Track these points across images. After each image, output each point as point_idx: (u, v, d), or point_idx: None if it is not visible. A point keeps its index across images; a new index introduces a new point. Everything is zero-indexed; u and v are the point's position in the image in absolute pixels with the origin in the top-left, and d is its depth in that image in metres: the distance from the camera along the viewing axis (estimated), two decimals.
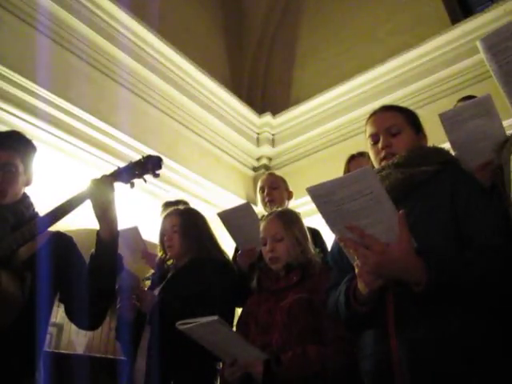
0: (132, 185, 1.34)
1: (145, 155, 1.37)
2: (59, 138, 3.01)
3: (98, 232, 1.28)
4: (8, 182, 1.33)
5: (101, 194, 1.25)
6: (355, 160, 2.11)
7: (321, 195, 0.95)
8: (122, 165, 1.37)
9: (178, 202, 2.54)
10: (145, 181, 1.36)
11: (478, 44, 1.16)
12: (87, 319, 1.31)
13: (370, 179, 0.93)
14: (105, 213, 1.26)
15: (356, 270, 1.03)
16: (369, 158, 1.37)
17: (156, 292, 1.88)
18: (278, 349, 1.43)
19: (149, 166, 1.34)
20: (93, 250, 1.28)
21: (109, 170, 1.36)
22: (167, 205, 2.56)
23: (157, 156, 1.37)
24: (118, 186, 1.33)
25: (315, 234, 2.09)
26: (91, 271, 1.26)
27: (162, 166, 1.39)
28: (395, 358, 0.99)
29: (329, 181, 0.94)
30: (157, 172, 1.36)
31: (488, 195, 1.19)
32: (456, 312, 0.98)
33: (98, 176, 1.30)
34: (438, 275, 0.95)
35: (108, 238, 1.26)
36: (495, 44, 1.14)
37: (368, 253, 0.94)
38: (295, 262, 1.61)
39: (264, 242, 1.68)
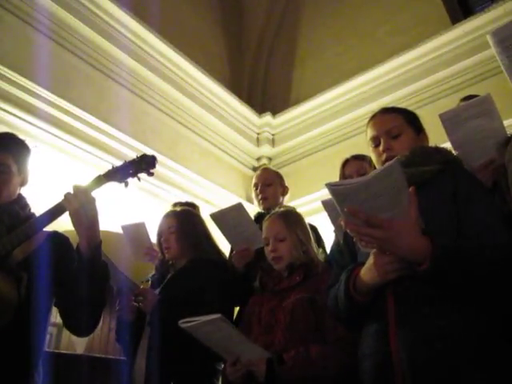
0: (126, 184, 1.33)
1: (140, 154, 1.37)
2: (59, 137, 3.00)
3: (77, 245, 1.24)
4: (1, 182, 1.32)
5: (75, 204, 1.21)
6: (350, 163, 2.09)
7: (343, 195, 0.93)
8: (118, 165, 1.36)
9: (185, 204, 2.52)
10: (139, 179, 1.35)
11: (489, 37, 1.14)
12: (78, 325, 1.30)
13: (395, 174, 0.91)
14: (82, 223, 1.22)
15: (371, 259, 1.02)
16: (367, 160, 1.37)
17: (156, 293, 1.88)
18: (281, 348, 1.43)
19: (143, 164, 1.33)
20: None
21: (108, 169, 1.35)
22: (175, 206, 2.55)
23: (151, 155, 1.36)
24: (113, 186, 1.32)
25: (314, 230, 2.07)
26: (75, 283, 1.23)
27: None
28: (396, 357, 0.99)
29: (353, 182, 0.92)
30: (151, 171, 1.34)
31: (490, 194, 1.19)
32: (457, 312, 0.98)
33: (83, 184, 1.26)
34: (443, 255, 0.95)
35: (87, 250, 1.22)
36: (506, 37, 1.12)
37: (373, 230, 0.94)
38: (298, 261, 1.61)
39: (266, 242, 1.68)
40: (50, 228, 1.41)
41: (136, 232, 2.32)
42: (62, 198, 1.24)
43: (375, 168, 1.31)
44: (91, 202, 1.23)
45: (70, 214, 1.22)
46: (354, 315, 1.14)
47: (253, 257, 1.97)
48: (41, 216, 1.26)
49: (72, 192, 1.22)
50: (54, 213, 1.24)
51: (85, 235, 1.22)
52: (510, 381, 0.92)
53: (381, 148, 1.27)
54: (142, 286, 2.00)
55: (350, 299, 1.10)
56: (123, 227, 2.34)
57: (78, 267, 1.23)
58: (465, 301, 0.98)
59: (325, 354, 1.38)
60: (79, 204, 1.20)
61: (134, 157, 1.35)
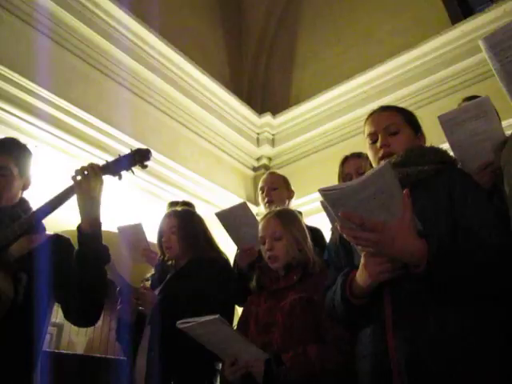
0: (120, 177, 1.34)
1: (134, 148, 1.38)
2: (59, 137, 3.01)
3: (78, 225, 1.26)
4: (2, 185, 1.33)
5: (85, 184, 1.25)
6: (349, 161, 2.09)
7: (335, 199, 0.93)
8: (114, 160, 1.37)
9: (182, 203, 2.53)
10: (133, 173, 1.37)
11: (481, 43, 1.15)
12: (82, 315, 1.30)
13: (387, 176, 0.91)
14: (87, 203, 1.25)
15: (362, 260, 1.03)
16: (366, 158, 1.37)
17: (156, 293, 1.88)
18: (279, 348, 1.43)
19: (136, 157, 1.34)
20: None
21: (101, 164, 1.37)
22: (172, 205, 2.55)
23: (145, 148, 1.37)
24: (108, 180, 1.33)
25: (316, 232, 2.08)
26: (77, 266, 1.23)
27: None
28: (393, 357, 0.99)
29: (345, 186, 0.92)
30: (145, 163, 1.36)
31: (486, 195, 1.19)
32: (454, 312, 0.98)
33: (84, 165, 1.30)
34: (439, 256, 0.94)
35: (88, 229, 1.24)
36: (498, 43, 1.12)
37: (368, 234, 0.93)
38: (295, 261, 1.61)
39: (263, 241, 1.67)
40: (49, 228, 1.41)
41: (133, 233, 2.32)
42: (73, 177, 1.27)
43: (371, 165, 1.32)
44: (100, 184, 1.27)
45: (78, 195, 1.25)
46: (352, 317, 1.14)
47: (257, 256, 1.98)
48: (38, 210, 1.26)
49: (82, 173, 1.26)
50: (54, 203, 1.25)
51: (87, 216, 1.25)
52: (507, 381, 0.92)
53: (378, 144, 1.27)
54: (142, 285, 2.00)
55: (346, 302, 1.10)
56: (119, 228, 2.33)
57: (79, 248, 1.25)
58: (462, 301, 0.99)
59: (323, 353, 1.38)
60: (89, 186, 1.24)
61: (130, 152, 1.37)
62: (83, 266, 1.22)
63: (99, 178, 1.28)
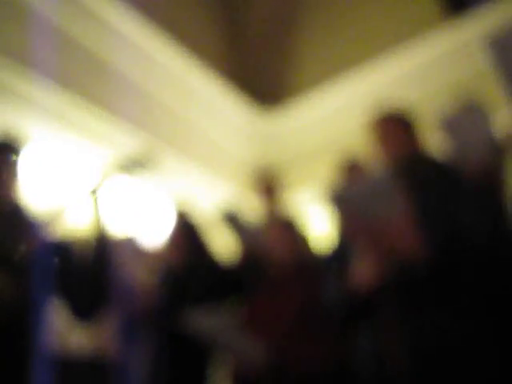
0: (129, 177, 1.35)
1: (141, 152, 1.38)
2: (59, 133, 3.00)
3: (91, 232, 1.26)
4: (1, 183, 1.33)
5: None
6: (348, 167, 2.10)
7: (338, 198, 0.94)
8: (122, 160, 1.37)
9: (179, 205, 2.54)
10: (140, 177, 1.37)
11: (480, 42, 1.15)
12: (82, 315, 1.31)
13: (389, 176, 0.92)
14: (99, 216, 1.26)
15: (363, 261, 1.03)
16: (367, 164, 1.39)
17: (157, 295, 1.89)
18: (279, 348, 1.44)
19: (143, 162, 1.34)
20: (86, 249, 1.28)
21: (108, 165, 1.36)
22: (168, 207, 2.56)
23: (152, 153, 1.37)
24: (115, 180, 1.33)
25: (313, 231, 2.09)
26: (83, 272, 1.25)
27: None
28: (395, 357, 0.99)
29: (348, 185, 0.94)
30: (151, 168, 1.36)
31: (484, 196, 1.20)
32: (454, 312, 0.99)
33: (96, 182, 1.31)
34: (440, 255, 0.96)
35: (100, 238, 1.28)
36: (498, 42, 1.13)
37: (372, 233, 0.94)
38: (294, 261, 1.63)
39: (264, 242, 1.69)
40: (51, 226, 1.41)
41: (129, 248, 2.32)
42: (63, 197, 1.26)
43: (373, 171, 1.33)
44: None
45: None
46: (352, 317, 1.15)
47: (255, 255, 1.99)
48: (42, 221, 1.26)
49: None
50: (54, 215, 1.26)
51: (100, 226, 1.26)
52: (508, 382, 0.93)
53: (382, 148, 1.28)
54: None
55: (346, 302, 1.11)
56: (116, 242, 2.31)
57: (90, 255, 1.25)
58: (462, 302, 0.99)
59: (322, 353, 1.39)
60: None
61: (136, 152, 1.37)
62: (91, 271, 1.23)
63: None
